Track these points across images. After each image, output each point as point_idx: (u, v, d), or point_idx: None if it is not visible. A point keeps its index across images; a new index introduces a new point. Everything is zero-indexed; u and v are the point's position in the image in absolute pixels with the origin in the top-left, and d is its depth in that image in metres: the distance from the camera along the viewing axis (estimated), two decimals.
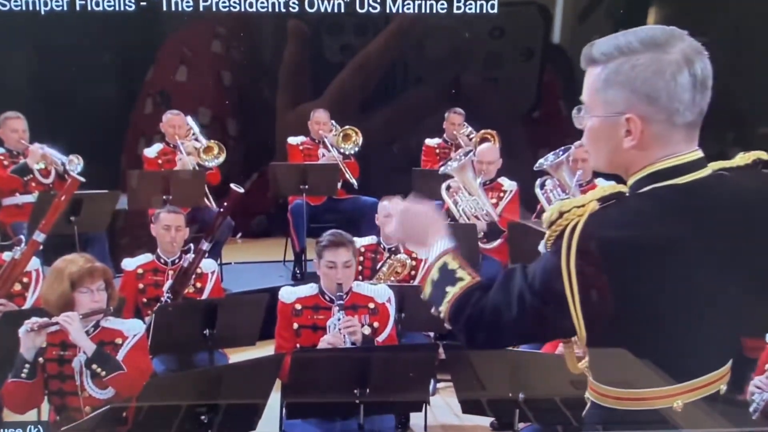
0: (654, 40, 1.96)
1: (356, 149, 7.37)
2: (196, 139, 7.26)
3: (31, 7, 6.74)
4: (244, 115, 7.96)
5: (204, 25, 7.56)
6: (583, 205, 2.01)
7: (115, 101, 7.83)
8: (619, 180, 2.12)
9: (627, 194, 2.06)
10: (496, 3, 7.15)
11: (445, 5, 7.15)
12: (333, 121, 7.63)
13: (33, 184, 6.48)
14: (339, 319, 4.29)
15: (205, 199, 6.98)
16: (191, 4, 7.01)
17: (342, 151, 7.33)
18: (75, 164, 6.32)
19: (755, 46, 7.48)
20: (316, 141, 7.51)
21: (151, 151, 7.23)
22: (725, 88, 5.41)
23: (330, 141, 7.38)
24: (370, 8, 7.17)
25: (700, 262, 1.99)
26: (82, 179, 4.62)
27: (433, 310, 2.23)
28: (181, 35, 7.65)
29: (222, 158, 7.14)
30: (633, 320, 2.01)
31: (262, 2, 7.18)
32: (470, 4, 7.14)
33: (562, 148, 6.43)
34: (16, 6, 6.81)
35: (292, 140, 7.54)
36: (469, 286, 2.17)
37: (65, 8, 6.82)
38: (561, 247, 1.98)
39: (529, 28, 7.73)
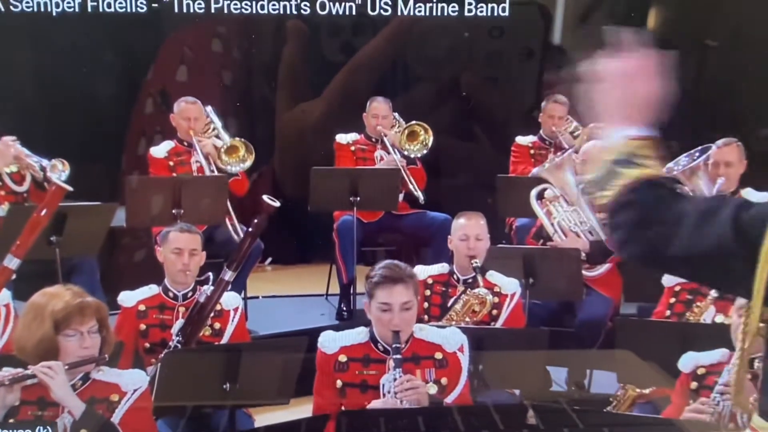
0: None
1: (424, 151, 7.30)
2: (217, 136, 7.16)
3: (43, 9, 7.67)
4: (245, 114, 8.49)
5: (204, 25, 8.34)
6: None
7: (112, 101, 8.37)
8: None
9: None
10: (507, 5, 8.41)
11: (457, 8, 8.39)
12: (396, 114, 7.61)
13: (2, 193, 6.44)
14: (395, 379, 4.14)
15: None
16: (203, 5, 8.05)
17: (406, 153, 7.25)
18: (59, 171, 6.27)
19: (756, 47, 8.59)
20: (373, 140, 7.47)
21: (159, 151, 7.12)
22: (726, 89, 7.40)
23: (390, 140, 7.30)
24: (382, 11, 8.29)
25: None
26: (68, 188, 4.60)
27: (586, 197, 2.23)
28: (182, 35, 8.36)
29: (249, 162, 7.02)
30: None
31: (274, 4, 8.09)
32: (481, 6, 8.39)
33: (699, 148, 6.32)
34: (28, 7, 7.68)
35: (342, 138, 7.49)
36: (654, 177, 2.12)
37: (77, 9, 7.75)
38: None
39: (529, 28, 8.81)
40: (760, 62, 8.62)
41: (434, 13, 8.39)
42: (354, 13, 8.25)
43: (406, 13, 8.28)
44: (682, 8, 8.91)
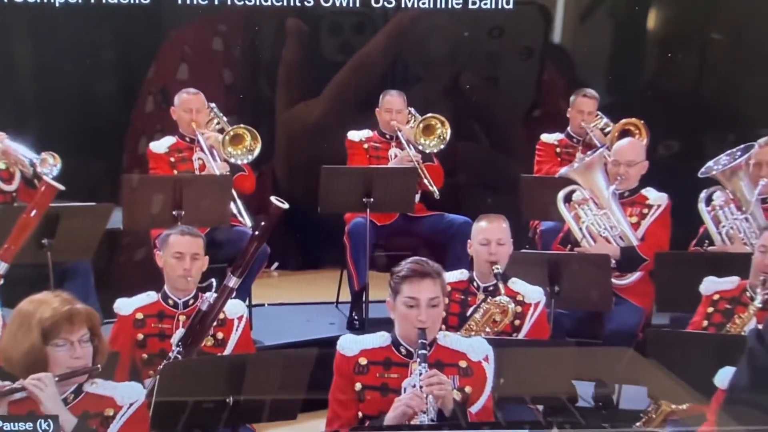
0: None
1: (442, 146, 7.23)
2: (221, 130, 7.09)
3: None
4: (246, 113, 8.48)
5: (205, 23, 8.57)
6: None
7: (111, 95, 8.63)
8: None
9: None
10: None
11: (461, 1, 8.71)
12: (412, 109, 7.54)
13: None
14: (421, 374, 4.09)
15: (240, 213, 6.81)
16: None
17: (421, 148, 7.17)
18: (50, 165, 6.20)
19: (756, 47, 9.01)
20: (387, 136, 7.41)
21: (159, 146, 7.07)
22: (726, 88, 7.73)
23: (406, 136, 7.23)
24: (385, 2, 8.61)
25: None
26: (61, 186, 4.55)
27: None
28: (182, 33, 8.57)
29: (257, 151, 6.94)
30: None
31: None
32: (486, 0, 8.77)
33: (742, 146, 6.25)
34: None
35: (354, 135, 7.43)
36: None
37: (80, 0, 8.02)
38: None
39: (529, 28, 9.18)
40: (761, 60, 8.92)
41: (438, 6, 8.58)
42: (357, 4, 8.48)
43: (409, 5, 8.50)
44: (682, 6, 9.21)
